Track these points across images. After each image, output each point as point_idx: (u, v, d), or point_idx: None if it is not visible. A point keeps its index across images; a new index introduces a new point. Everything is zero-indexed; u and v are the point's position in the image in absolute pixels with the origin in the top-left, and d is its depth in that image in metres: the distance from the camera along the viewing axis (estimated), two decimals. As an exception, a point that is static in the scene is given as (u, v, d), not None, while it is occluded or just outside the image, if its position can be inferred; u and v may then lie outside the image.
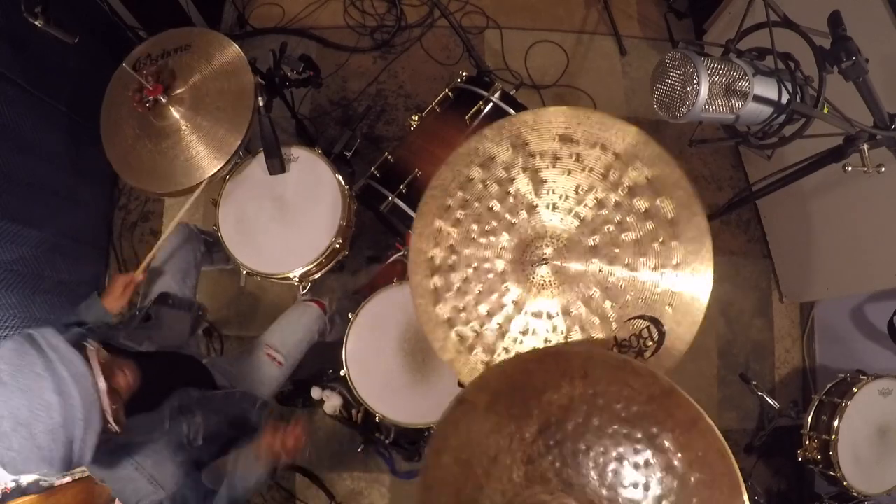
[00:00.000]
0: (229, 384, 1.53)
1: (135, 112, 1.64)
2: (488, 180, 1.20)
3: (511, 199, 1.20)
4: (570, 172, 1.17)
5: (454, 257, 1.21)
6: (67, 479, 1.82)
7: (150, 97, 1.59)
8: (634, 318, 1.12)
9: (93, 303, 1.48)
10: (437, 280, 1.21)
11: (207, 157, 1.60)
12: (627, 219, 1.14)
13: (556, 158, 1.17)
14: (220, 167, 1.61)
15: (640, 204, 1.13)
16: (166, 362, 1.41)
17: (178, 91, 1.64)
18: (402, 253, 2.03)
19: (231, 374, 1.57)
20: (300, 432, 1.30)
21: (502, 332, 1.18)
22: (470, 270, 1.21)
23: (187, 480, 1.19)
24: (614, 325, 1.13)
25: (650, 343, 1.10)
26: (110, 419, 1.00)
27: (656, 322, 1.10)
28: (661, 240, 1.12)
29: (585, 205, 1.16)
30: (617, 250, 1.14)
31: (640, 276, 1.13)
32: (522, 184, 1.19)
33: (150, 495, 1.16)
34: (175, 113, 1.63)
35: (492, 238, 1.20)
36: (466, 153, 1.21)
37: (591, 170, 1.16)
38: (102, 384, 0.98)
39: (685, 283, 1.11)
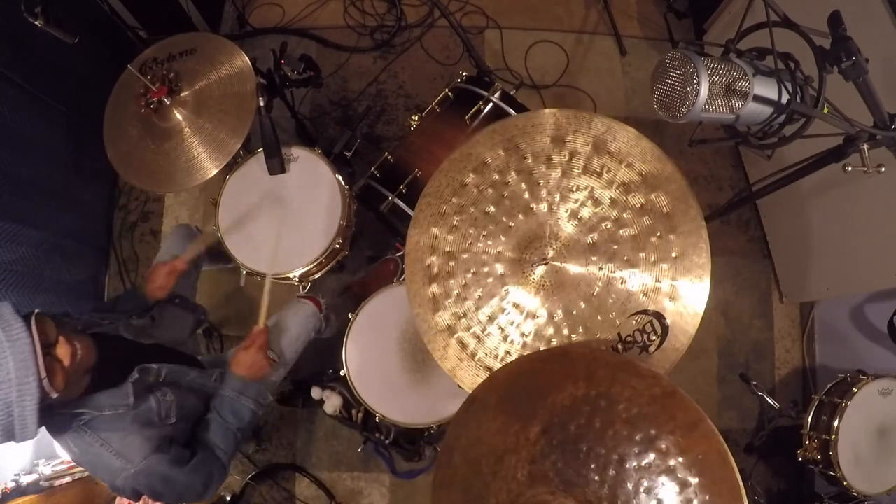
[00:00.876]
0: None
1: (139, 113, 1.66)
2: (483, 185, 1.20)
3: (507, 203, 1.20)
4: (564, 173, 1.17)
5: (452, 263, 1.21)
6: (67, 480, 1.82)
7: (154, 99, 1.62)
8: (637, 313, 1.12)
9: (133, 293, 1.53)
10: (435, 288, 1.21)
11: (208, 159, 1.61)
12: (624, 215, 1.14)
13: (549, 159, 1.18)
14: (219, 169, 1.61)
15: (636, 200, 1.14)
16: (142, 346, 1.43)
17: (183, 94, 1.65)
18: (400, 254, 2.03)
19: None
20: (260, 336, 1.45)
21: (505, 336, 1.18)
22: (469, 276, 1.20)
23: (157, 456, 1.21)
24: (617, 322, 1.14)
25: (654, 337, 1.11)
26: (47, 386, 1.02)
27: (659, 316, 1.10)
28: (658, 234, 1.13)
29: (581, 204, 1.17)
30: (615, 247, 1.14)
31: (640, 272, 1.13)
32: (517, 186, 1.19)
33: (121, 471, 1.18)
34: (178, 115, 1.64)
35: (489, 242, 1.20)
36: (460, 159, 1.22)
37: (584, 169, 1.16)
38: (39, 350, 1.01)
39: (685, 276, 1.11)
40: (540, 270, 1.17)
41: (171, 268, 1.53)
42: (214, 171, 1.60)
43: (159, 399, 1.27)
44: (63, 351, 1.08)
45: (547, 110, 1.19)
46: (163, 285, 1.51)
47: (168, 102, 1.63)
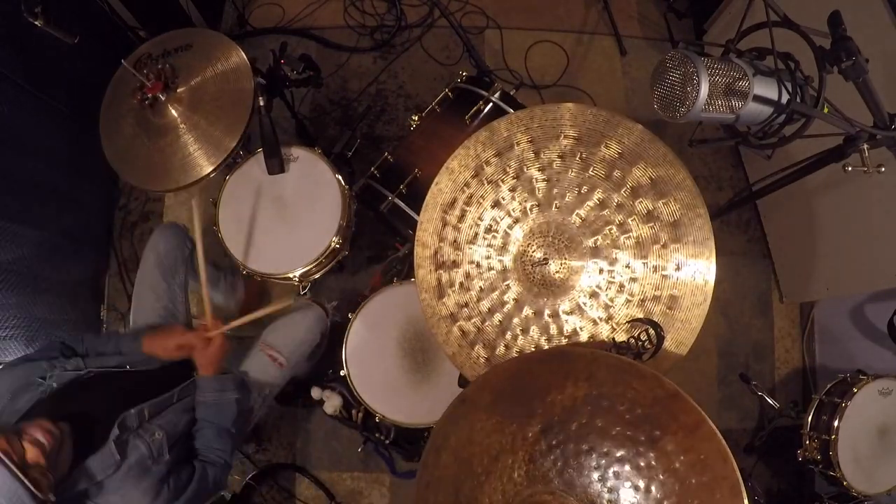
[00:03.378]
0: None
1: (134, 110, 1.65)
2: (493, 176, 1.21)
3: (514, 198, 1.20)
4: (574, 171, 1.17)
5: (458, 253, 1.22)
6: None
7: (150, 94, 1.61)
8: (633, 320, 1.12)
9: (133, 339, 1.44)
10: (441, 275, 1.22)
11: (203, 157, 1.61)
12: (629, 220, 1.14)
13: (560, 156, 1.18)
14: (214, 167, 1.61)
15: (643, 205, 1.13)
16: (109, 385, 1.34)
17: (178, 90, 1.64)
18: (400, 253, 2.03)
19: None
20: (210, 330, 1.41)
21: (503, 330, 1.19)
22: (472, 267, 1.21)
23: (159, 501, 1.19)
24: (613, 327, 1.13)
25: (648, 346, 1.09)
26: (40, 493, 0.97)
27: (655, 325, 1.09)
28: (662, 242, 1.12)
29: (588, 205, 1.16)
30: (618, 251, 1.14)
31: (641, 279, 1.13)
32: (526, 181, 1.19)
33: None
34: (173, 111, 1.64)
35: (494, 235, 1.21)
36: (472, 148, 1.22)
37: (595, 169, 1.16)
38: (19, 473, 0.95)
39: (686, 287, 1.10)
40: (541, 269, 1.17)
41: (184, 341, 1.41)
42: (209, 169, 1.60)
43: (147, 441, 1.22)
44: (33, 453, 1.01)
45: (563, 104, 1.17)
46: (168, 353, 1.41)
47: (163, 98, 1.62)
